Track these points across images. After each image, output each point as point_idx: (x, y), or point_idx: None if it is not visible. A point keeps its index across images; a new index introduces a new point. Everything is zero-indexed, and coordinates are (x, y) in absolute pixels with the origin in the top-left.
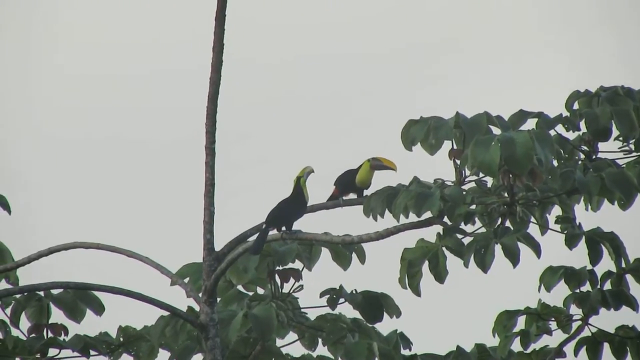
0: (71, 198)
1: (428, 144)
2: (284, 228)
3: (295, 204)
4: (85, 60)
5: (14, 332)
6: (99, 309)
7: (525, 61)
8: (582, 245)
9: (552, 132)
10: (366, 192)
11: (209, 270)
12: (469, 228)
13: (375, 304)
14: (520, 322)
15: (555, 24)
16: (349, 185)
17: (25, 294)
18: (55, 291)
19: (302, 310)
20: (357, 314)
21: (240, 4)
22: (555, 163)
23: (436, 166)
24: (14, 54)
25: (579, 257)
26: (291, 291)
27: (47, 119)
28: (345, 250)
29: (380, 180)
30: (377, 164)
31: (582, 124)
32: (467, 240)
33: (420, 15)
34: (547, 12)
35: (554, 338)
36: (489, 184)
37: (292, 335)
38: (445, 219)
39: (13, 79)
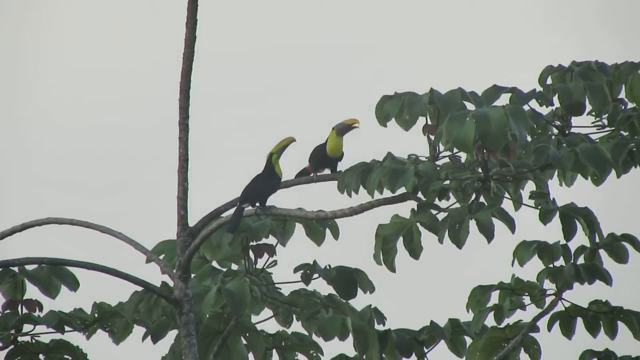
0: (45, 174)
1: (402, 119)
2: (257, 204)
3: (268, 179)
4: (58, 37)
5: None
6: (73, 284)
7: (500, 36)
8: (556, 220)
9: (525, 107)
10: (340, 167)
11: (182, 245)
12: (443, 204)
13: (349, 280)
14: (494, 297)
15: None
16: (322, 159)
17: (0, 269)
18: (29, 267)
19: (276, 285)
20: (331, 290)
21: None
22: (529, 138)
23: (410, 142)
24: None
25: (553, 233)
26: (265, 267)
27: (23, 96)
28: (319, 226)
29: (355, 155)
30: (342, 127)
31: (556, 99)
32: (441, 216)
33: None
34: None
35: (528, 313)
36: (463, 160)
37: (267, 312)
38: (420, 195)
39: None
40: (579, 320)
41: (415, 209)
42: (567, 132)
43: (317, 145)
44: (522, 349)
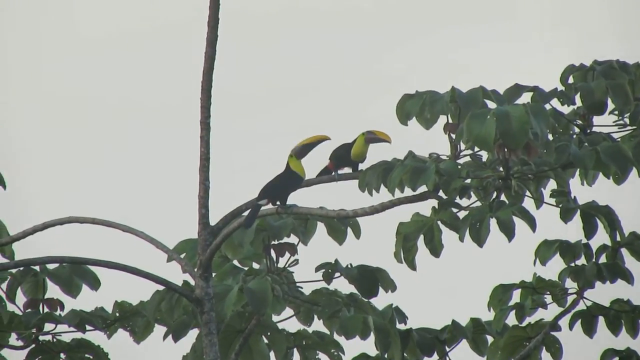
0: (67, 172)
1: (423, 118)
2: (278, 202)
3: (289, 178)
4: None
5: (10, 307)
6: (94, 283)
7: (520, 35)
8: (577, 219)
9: (547, 106)
10: (361, 166)
11: (204, 244)
12: (464, 202)
13: (370, 279)
14: (516, 296)
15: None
16: (344, 159)
17: (21, 268)
18: (51, 266)
19: (298, 284)
20: (352, 289)
21: None
22: (550, 137)
23: (431, 140)
24: None
25: (574, 231)
26: (286, 265)
27: (42, 91)
28: (341, 224)
29: (376, 154)
30: (372, 137)
31: (577, 98)
32: (462, 215)
33: None
34: None
35: (549, 312)
36: (484, 158)
37: (288, 311)
38: (441, 193)
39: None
40: (601, 319)
41: (436, 207)
42: (588, 131)
43: (342, 144)
44: (544, 347)
